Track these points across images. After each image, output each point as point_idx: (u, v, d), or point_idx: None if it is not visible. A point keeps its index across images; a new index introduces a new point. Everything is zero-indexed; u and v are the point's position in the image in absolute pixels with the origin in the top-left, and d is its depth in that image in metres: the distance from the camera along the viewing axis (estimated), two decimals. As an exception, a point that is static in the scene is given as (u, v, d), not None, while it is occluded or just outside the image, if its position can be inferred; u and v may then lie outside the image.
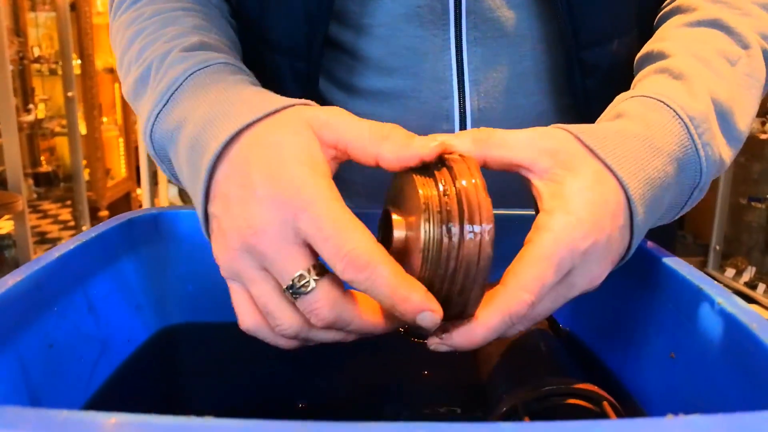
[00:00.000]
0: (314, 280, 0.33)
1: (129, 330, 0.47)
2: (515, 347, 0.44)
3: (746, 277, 3.06)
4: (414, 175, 0.35)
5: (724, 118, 0.43)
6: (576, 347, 0.47)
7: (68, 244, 0.40)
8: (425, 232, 0.33)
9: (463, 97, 0.55)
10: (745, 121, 0.45)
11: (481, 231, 0.32)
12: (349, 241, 0.32)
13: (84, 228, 3.32)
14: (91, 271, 0.43)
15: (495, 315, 0.34)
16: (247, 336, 0.39)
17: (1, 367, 0.32)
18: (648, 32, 0.53)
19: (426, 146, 0.35)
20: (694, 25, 0.49)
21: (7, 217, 2.67)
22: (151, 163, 3.00)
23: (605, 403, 0.35)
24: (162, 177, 3.04)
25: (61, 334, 0.39)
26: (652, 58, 0.48)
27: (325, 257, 0.33)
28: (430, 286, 0.33)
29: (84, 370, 0.41)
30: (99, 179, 3.67)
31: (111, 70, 3.98)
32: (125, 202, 4.05)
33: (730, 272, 3.14)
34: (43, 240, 3.68)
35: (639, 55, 0.51)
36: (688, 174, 0.41)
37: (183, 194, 3.10)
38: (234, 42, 0.55)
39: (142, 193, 3.06)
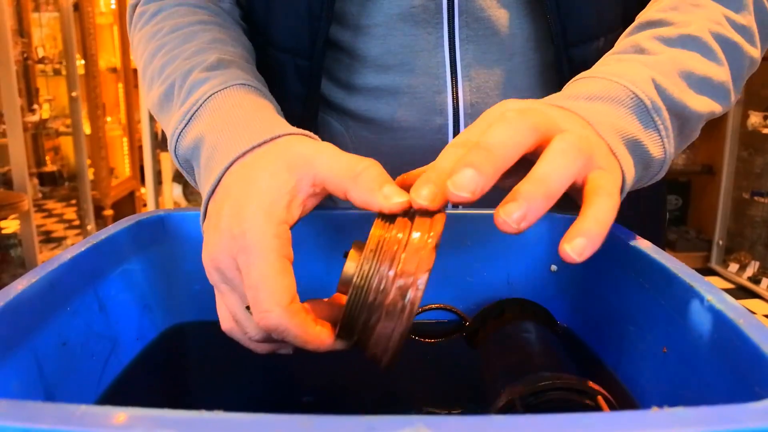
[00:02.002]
0: None
1: (138, 328, 0.48)
2: (513, 344, 0.45)
3: (750, 271, 3.06)
4: (378, 216, 0.36)
5: (664, 75, 0.45)
6: (572, 343, 0.48)
7: (80, 245, 0.41)
8: (360, 266, 0.34)
9: (456, 92, 0.58)
10: (685, 82, 0.46)
11: (411, 283, 0.32)
12: (266, 302, 0.35)
13: (89, 227, 3.33)
14: (102, 272, 0.44)
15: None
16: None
17: (18, 364, 0.34)
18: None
19: (389, 200, 0.36)
20: (643, 27, 0.50)
21: (12, 216, 2.69)
22: (155, 162, 3.02)
23: (599, 397, 0.36)
24: (166, 176, 3.05)
25: (74, 333, 0.40)
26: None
27: (248, 300, 0.37)
28: (355, 320, 0.35)
29: (96, 367, 0.42)
30: (103, 178, 3.68)
31: (114, 70, 3.99)
32: (129, 201, 4.06)
33: (734, 267, 3.14)
34: (49, 239, 3.70)
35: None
36: (622, 99, 0.42)
37: (187, 194, 3.11)
38: (249, 49, 0.57)
39: (147, 192, 3.07)
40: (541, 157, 0.34)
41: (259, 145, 0.41)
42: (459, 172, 0.32)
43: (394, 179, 0.61)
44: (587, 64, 0.55)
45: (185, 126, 0.46)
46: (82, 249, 0.41)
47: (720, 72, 0.49)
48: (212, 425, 0.21)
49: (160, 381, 0.47)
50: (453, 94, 0.58)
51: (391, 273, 0.33)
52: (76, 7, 3.42)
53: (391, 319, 0.33)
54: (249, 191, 0.38)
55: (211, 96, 0.46)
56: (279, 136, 0.41)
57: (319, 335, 0.37)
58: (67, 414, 0.22)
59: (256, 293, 0.36)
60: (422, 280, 0.32)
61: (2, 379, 0.32)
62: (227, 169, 0.41)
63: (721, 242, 3.24)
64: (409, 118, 0.59)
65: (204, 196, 0.42)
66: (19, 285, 0.35)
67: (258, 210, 0.37)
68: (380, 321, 0.33)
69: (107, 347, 0.44)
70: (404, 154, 0.60)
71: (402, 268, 0.33)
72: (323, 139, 0.63)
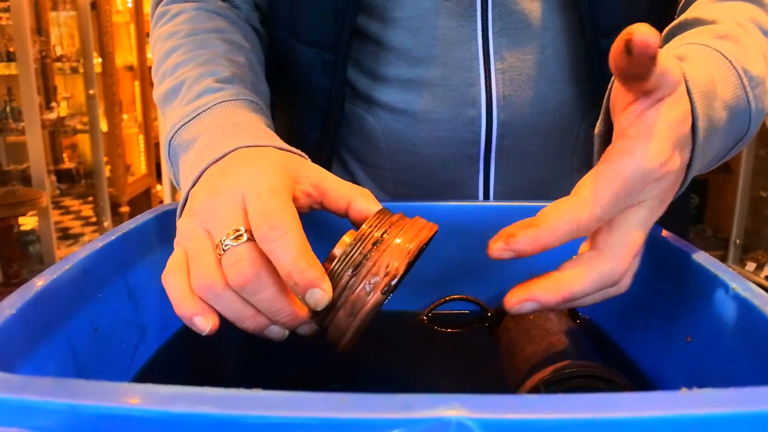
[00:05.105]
0: (247, 237, 0.37)
1: (164, 318, 0.49)
2: (536, 333, 0.45)
3: (767, 270, 3.04)
4: (375, 215, 0.40)
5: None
6: (594, 334, 0.49)
7: (110, 234, 0.42)
8: (338, 258, 0.38)
9: (489, 84, 0.58)
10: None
11: (375, 285, 0.37)
12: (275, 205, 0.37)
13: (105, 224, 3.36)
14: (131, 260, 0.45)
15: (564, 222, 0.34)
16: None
17: (54, 348, 0.35)
18: (657, 24, 0.55)
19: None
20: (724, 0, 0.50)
21: (31, 213, 2.72)
22: (171, 159, 3.03)
23: (624, 384, 0.36)
24: (182, 173, 3.07)
25: (105, 320, 0.41)
26: (689, 25, 0.49)
27: (250, 215, 0.37)
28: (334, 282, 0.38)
29: (125, 354, 0.43)
30: (120, 176, 3.71)
31: (131, 68, 4.02)
32: (145, 198, 4.09)
33: (751, 266, 3.11)
34: (66, 236, 3.73)
35: (671, 25, 0.51)
36: (736, 124, 0.43)
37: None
38: (260, 60, 0.61)
39: (163, 189, 3.10)
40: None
41: (265, 146, 0.44)
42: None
43: (425, 180, 0.63)
44: None
45: (190, 120, 0.48)
46: (113, 237, 0.42)
47: None
48: (251, 402, 0.22)
49: (186, 371, 0.48)
50: (486, 86, 0.58)
51: (371, 261, 0.37)
52: (94, 6, 3.45)
53: (355, 308, 0.37)
54: (260, 153, 0.42)
55: (221, 103, 0.49)
56: (285, 149, 0.44)
57: (313, 262, 0.35)
58: (111, 391, 0.22)
59: (268, 201, 0.37)
60: (385, 286, 0.37)
61: (40, 362, 0.33)
62: (232, 150, 0.43)
63: (738, 241, 3.21)
64: (442, 110, 0.59)
65: (198, 170, 0.43)
66: (55, 271, 0.35)
67: (274, 164, 0.40)
68: (348, 300, 0.37)
69: (136, 335, 0.44)
70: (436, 146, 0.61)
71: (380, 261, 0.37)
72: (355, 133, 0.64)
